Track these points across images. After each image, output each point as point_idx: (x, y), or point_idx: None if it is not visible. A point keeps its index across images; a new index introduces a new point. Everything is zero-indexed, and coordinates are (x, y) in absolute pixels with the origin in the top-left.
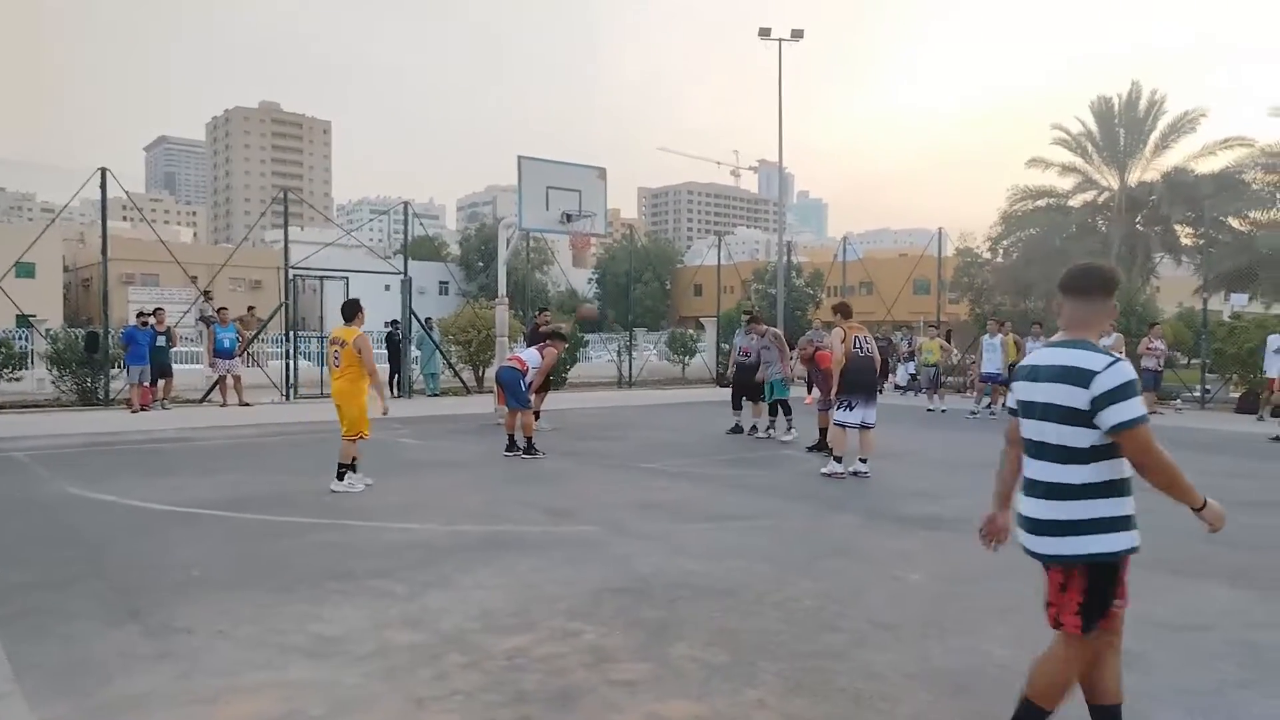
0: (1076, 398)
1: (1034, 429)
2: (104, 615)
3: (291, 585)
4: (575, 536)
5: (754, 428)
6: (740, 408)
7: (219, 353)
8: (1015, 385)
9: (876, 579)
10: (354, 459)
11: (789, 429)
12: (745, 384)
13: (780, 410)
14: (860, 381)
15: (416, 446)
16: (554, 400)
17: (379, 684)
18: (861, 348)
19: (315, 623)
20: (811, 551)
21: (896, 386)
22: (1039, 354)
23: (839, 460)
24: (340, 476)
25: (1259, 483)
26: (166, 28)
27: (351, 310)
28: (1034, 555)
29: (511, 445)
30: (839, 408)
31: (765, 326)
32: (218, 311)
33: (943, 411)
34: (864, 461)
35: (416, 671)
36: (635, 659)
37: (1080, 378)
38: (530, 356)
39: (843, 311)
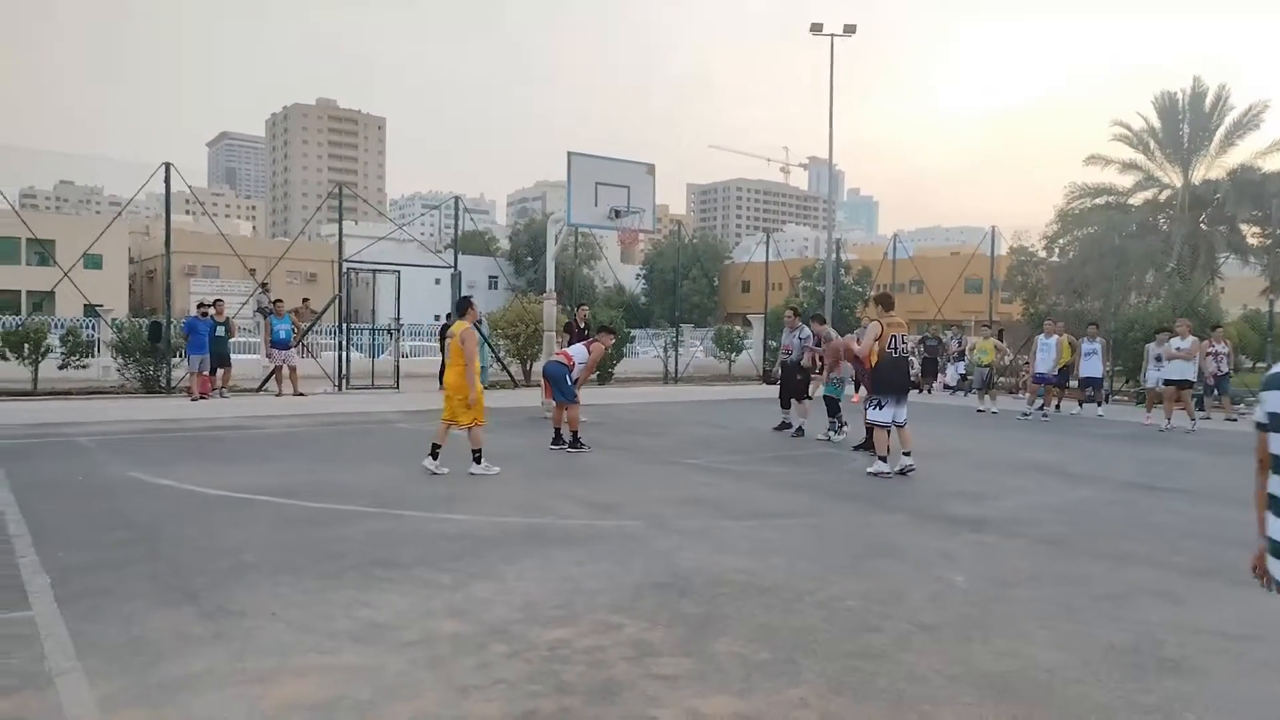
0: None
1: None
2: (161, 596)
3: (341, 572)
4: (618, 531)
5: (799, 429)
6: (788, 406)
7: (275, 343)
8: (1265, 395)
9: (920, 580)
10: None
11: (829, 428)
12: (789, 382)
13: (827, 409)
14: (891, 381)
15: (463, 438)
16: (600, 395)
17: (424, 671)
18: (896, 348)
19: (363, 609)
20: (855, 551)
21: (946, 386)
22: None
23: (883, 460)
24: (477, 460)
25: None
26: (229, 26)
27: (463, 306)
28: None
29: (558, 439)
30: (870, 406)
31: (821, 327)
32: (274, 303)
33: (994, 413)
34: (908, 455)
35: (460, 660)
36: (677, 654)
37: None
38: (577, 352)
39: (884, 303)
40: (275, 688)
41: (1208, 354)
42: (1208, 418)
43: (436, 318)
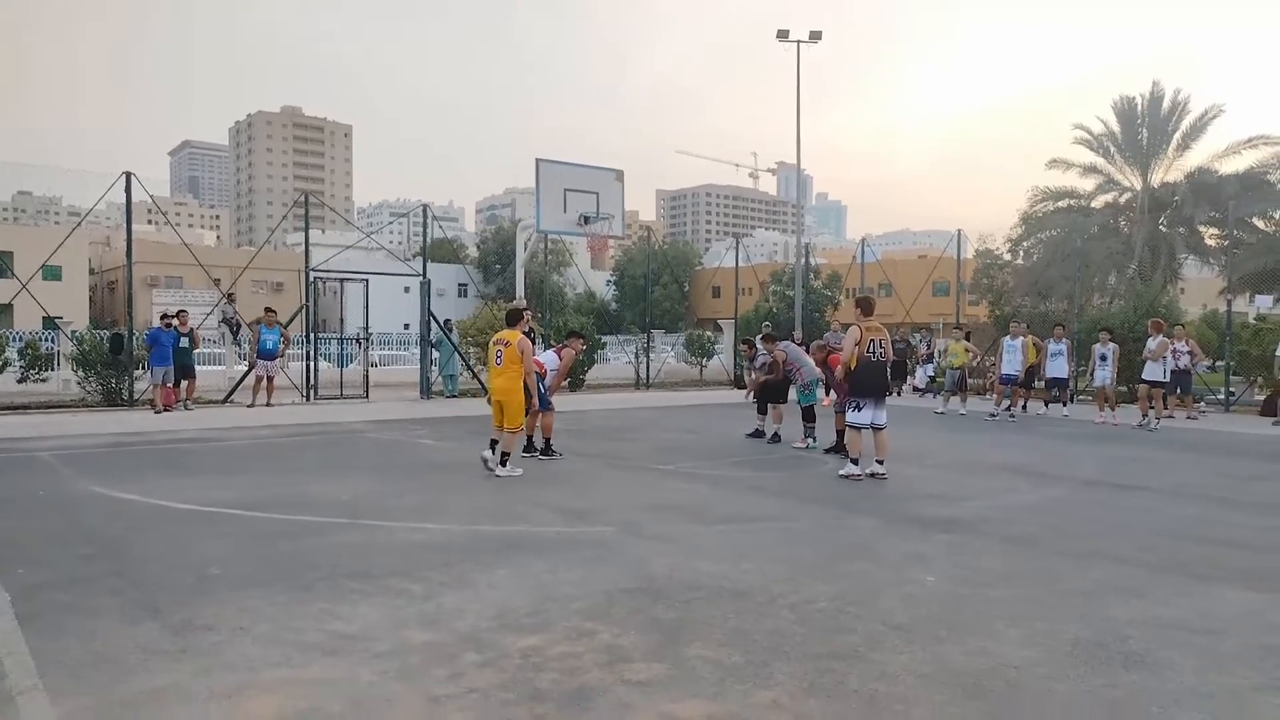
0: None
1: None
2: (125, 612)
3: (310, 584)
4: (591, 537)
5: (775, 435)
6: (764, 412)
7: (262, 353)
8: None
9: (892, 581)
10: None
11: (806, 435)
12: (768, 387)
13: (803, 417)
14: (871, 383)
15: (434, 447)
16: (572, 401)
17: (396, 682)
18: (874, 352)
19: (333, 621)
20: (827, 553)
21: (915, 389)
22: None
23: (855, 462)
24: (503, 463)
25: (1278, 485)
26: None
27: (515, 317)
28: None
29: (530, 446)
30: (849, 408)
31: (776, 347)
32: (265, 312)
33: (962, 414)
34: (881, 463)
35: (433, 670)
36: (650, 659)
37: None
38: (548, 359)
39: (863, 308)
40: (243, 703)
41: (1170, 351)
42: (1170, 416)
43: (406, 326)
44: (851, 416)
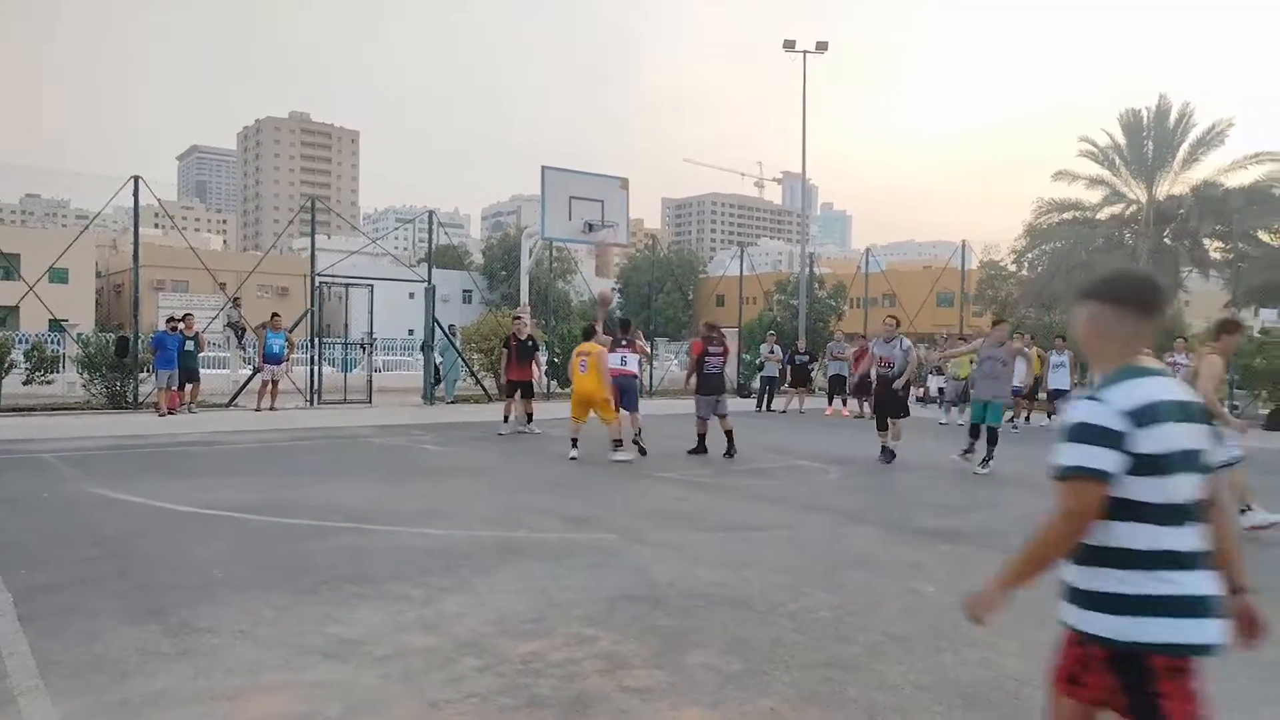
0: None
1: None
2: (126, 614)
3: (311, 587)
4: (592, 544)
5: (892, 454)
6: (885, 428)
7: (269, 357)
8: (1144, 431)
9: (892, 591)
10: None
11: (985, 460)
12: (886, 399)
13: (986, 437)
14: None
15: (437, 452)
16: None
17: (395, 686)
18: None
19: (334, 624)
20: (828, 563)
21: (918, 399)
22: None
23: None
24: (616, 448)
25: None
26: (200, 37)
27: (590, 332)
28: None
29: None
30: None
31: (1004, 337)
32: (271, 318)
33: (960, 424)
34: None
35: (432, 674)
36: (650, 666)
37: None
38: (631, 362)
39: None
40: (243, 705)
41: (1168, 364)
42: None
43: (411, 332)
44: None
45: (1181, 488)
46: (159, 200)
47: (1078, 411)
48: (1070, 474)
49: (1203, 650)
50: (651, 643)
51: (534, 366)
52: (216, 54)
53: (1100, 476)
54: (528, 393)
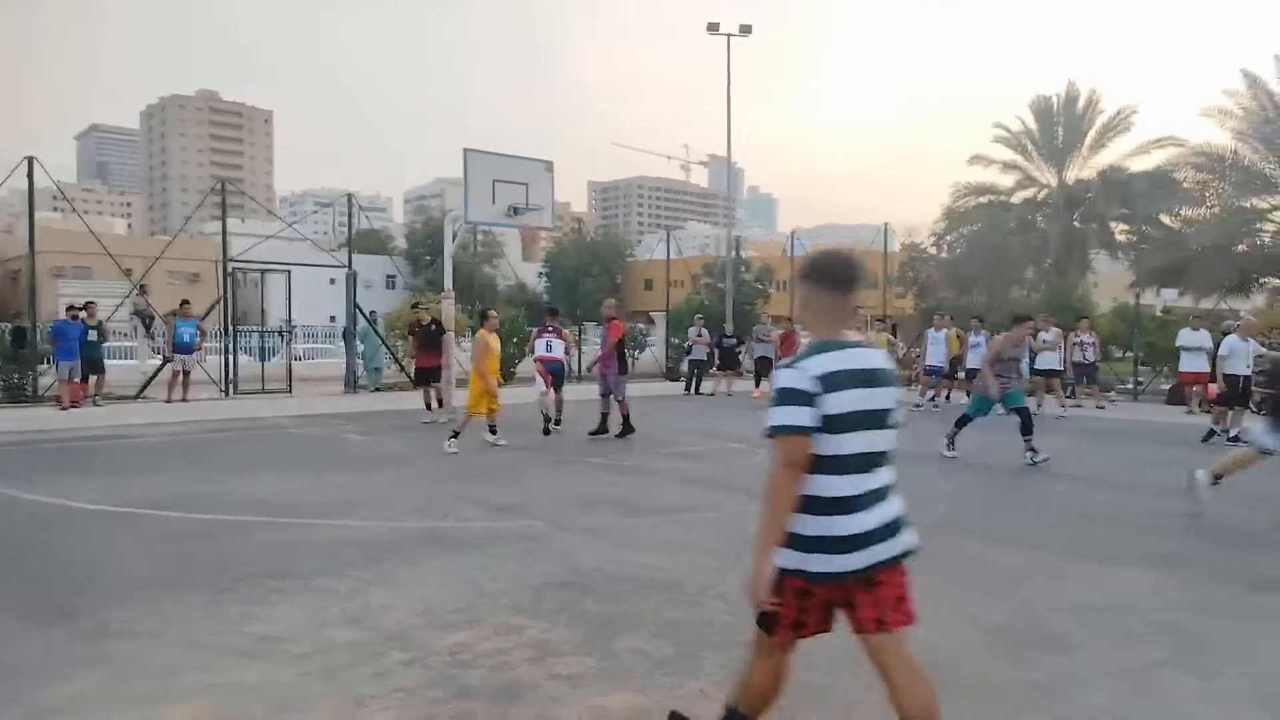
0: None
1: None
2: (34, 618)
3: (231, 585)
4: (519, 531)
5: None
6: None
7: (179, 347)
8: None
9: None
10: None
11: (1030, 449)
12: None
13: (1023, 420)
14: None
15: (359, 442)
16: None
17: (319, 683)
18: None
19: (254, 623)
20: None
21: None
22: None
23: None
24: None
25: (1181, 471)
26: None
27: (484, 315)
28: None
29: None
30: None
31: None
32: (180, 305)
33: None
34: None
35: (357, 669)
36: (579, 653)
37: None
38: (556, 347)
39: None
40: (161, 710)
41: (1074, 344)
42: (1079, 405)
43: (332, 319)
44: None
45: (856, 443)
46: (56, 182)
47: (781, 378)
48: (779, 431)
49: (825, 579)
50: (580, 629)
51: (445, 351)
52: (116, 26)
53: (803, 431)
54: (437, 379)
